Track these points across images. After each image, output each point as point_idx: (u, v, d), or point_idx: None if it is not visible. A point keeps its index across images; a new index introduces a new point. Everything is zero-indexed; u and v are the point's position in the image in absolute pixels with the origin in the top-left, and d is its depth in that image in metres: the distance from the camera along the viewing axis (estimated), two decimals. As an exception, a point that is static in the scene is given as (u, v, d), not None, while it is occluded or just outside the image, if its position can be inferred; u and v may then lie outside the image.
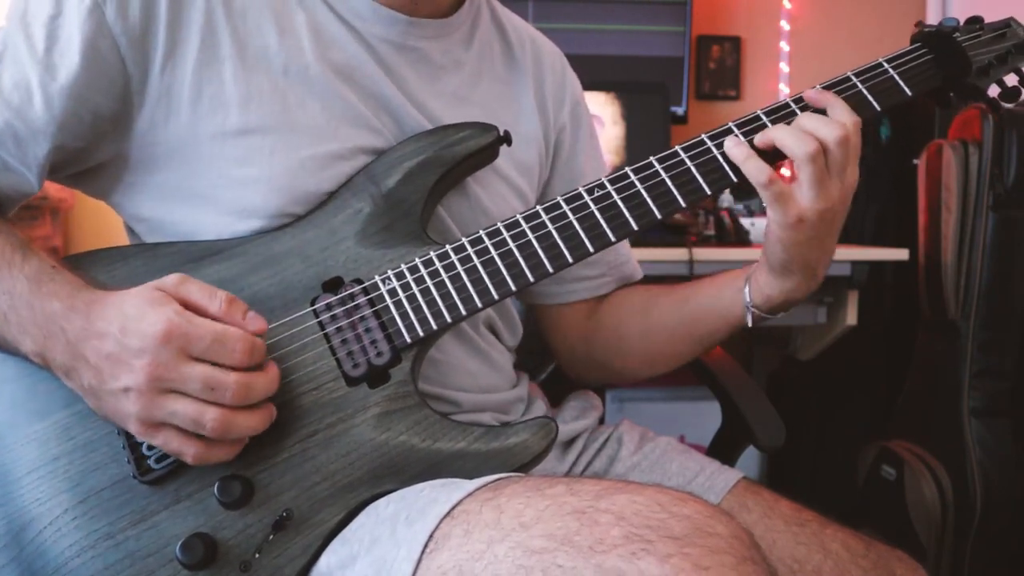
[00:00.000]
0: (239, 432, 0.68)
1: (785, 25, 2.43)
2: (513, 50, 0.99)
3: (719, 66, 2.40)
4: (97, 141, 0.78)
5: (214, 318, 0.69)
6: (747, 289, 0.88)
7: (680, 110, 2.21)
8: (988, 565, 1.79)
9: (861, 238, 2.20)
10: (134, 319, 0.67)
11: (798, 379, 2.22)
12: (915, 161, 1.99)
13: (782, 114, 0.82)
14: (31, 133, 0.75)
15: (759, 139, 0.80)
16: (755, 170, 0.78)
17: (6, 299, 0.71)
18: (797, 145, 0.77)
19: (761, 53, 2.44)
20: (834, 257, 1.91)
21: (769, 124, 0.81)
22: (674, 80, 2.20)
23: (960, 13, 2.47)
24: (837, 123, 0.78)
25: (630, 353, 1.00)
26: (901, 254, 1.88)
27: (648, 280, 1.84)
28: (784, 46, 2.43)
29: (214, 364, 0.67)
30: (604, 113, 2.04)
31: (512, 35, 0.99)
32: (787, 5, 2.43)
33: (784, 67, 2.43)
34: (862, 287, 1.87)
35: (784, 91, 2.43)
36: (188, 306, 0.69)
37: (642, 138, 2.05)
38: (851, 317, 1.90)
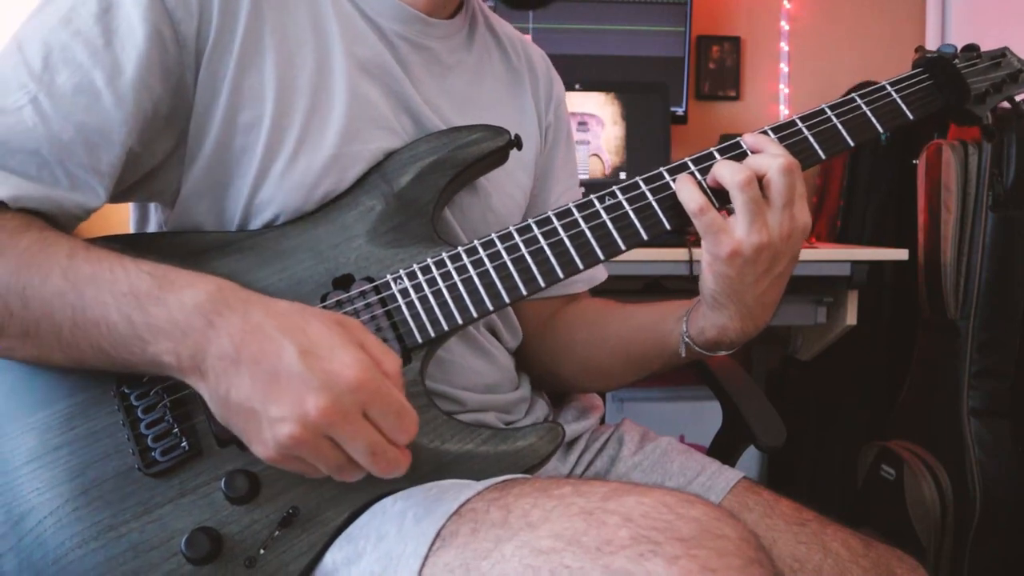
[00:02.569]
0: None
1: (785, 25, 2.43)
2: (508, 53, 1.01)
3: (719, 66, 2.40)
4: (150, 143, 0.76)
5: (384, 374, 0.64)
6: (686, 319, 0.87)
7: (680, 110, 2.21)
8: (988, 565, 1.79)
9: (861, 238, 2.20)
10: (324, 348, 0.61)
11: (798, 379, 2.23)
12: (915, 161, 2.00)
13: (734, 154, 0.81)
14: (103, 136, 0.72)
15: (708, 178, 0.79)
16: (688, 199, 0.77)
17: (128, 301, 0.65)
18: (730, 174, 0.76)
19: (761, 53, 2.44)
20: (834, 258, 1.92)
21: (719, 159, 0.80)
22: (674, 80, 2.20)
23: (959, 14, 2.47)
24: (779, 154, 0.77)
25: (570, 361, 1.00)
26: (901, 254, 1.88)
27: (647, 280, 1.85)
28: (784, 46, 2.43)
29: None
30: (604, 113, 2.04)
31: (504, 39, 1.01)
32: (787, 5, 2.43)
33: (784, 67, 2.43)
34: (862, 287, 1.87)
35: (784, 91, 2.43)
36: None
37: (642, 138, 2.05)
38: (851, 317, 1.90)
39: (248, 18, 0.77)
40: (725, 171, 0.77)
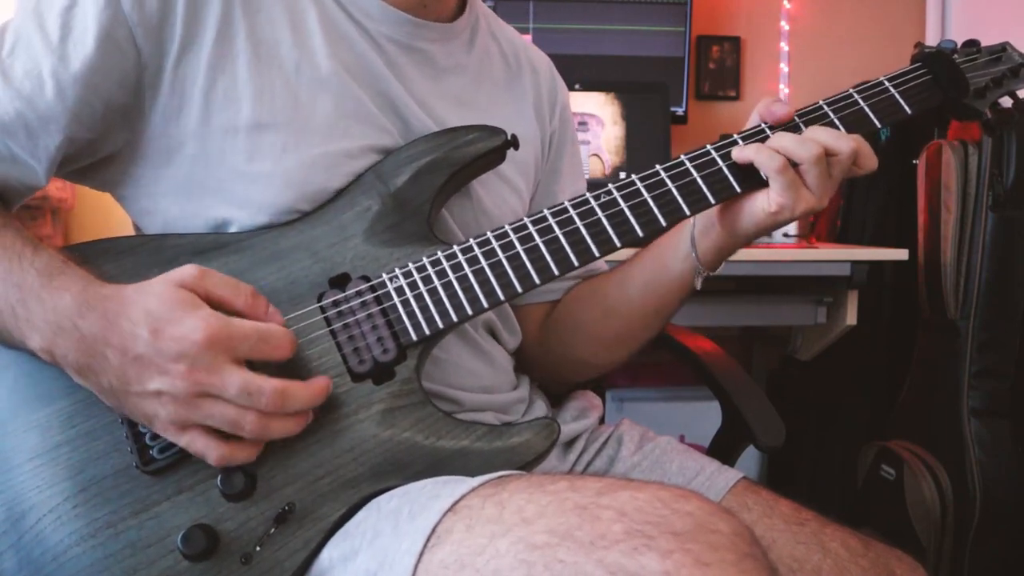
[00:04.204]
0: (273, 436, 0.69)
1: (785, 25, 2.43)
2: (509, 59, 1.01)
3: (719, 66, 2.40)
4: (106, 132, 0.79)
5: (239, 312, 0.69)
6: (695, 254, 0.88)
7: (680, 110, 2.21)
8: (988, 565, 1.79)
9: (861, 238, 2.20)
10: (168, 322, 0.66)
11: (798, 379, 2.23)
12: (915, 161, 2.00)
13: (758, 138, 0.83)
14: (43, 124, 0.75)
15: (744, 155, 0.80)
16: (766, 159, 0.78)
17: (15, 292, 0.70)
18: (805, 149, 0.78)
19: (761, 53, 2.44)
20: (834, 258, 1.92)
21: (770, 134, 0.82)
22: (674, 80, 2.20)
23: (959, 14, 2.47)
24: (850, 138, 0.79)
25: (585, 341, 1.00)
26: (901, 254, 1.88)
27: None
28: (784, 46, 2.43)
29: (251, 366, 0.67)
30: (604, 113, 2.04)
31: (506, 45, 1.02)
32: (787, 5, 2.43)
33: (784, 67, 2.43)
34: (862, 287, 1.87)
35: (784, 91, 2.43)
36: (212, 300, 0.69)
37: (642, 138, 2.05)
38: (851, 317, 1.91)
39: (219, 23, 0.79)
40: (794, 146, 0.78)
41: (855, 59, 2.42)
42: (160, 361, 0.65)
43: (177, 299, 0.67)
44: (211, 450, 0.68)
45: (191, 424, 0.67)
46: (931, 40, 2.44)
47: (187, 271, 0.70)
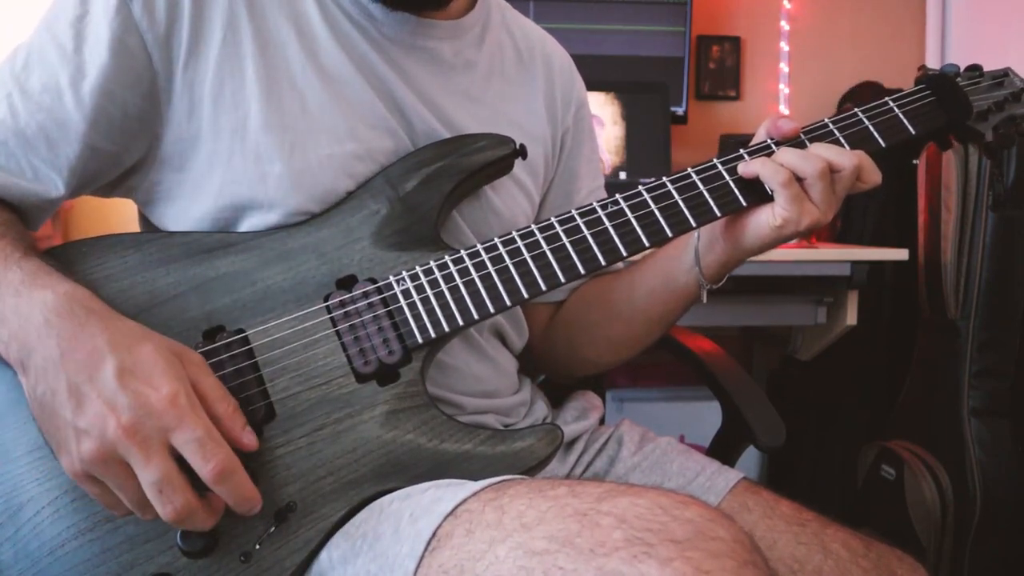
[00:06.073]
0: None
1: (785, 25, 2.43)
2: (522, 53, 1.01)
3: (719, 66, 2.40)
4: (128, 143, 0.80)
5: (216, 416, 0.66)
6: (699, 269, 0.89)
7: (680, 110, 2.21)
8: (988, 565, 1.79)
9: (861, 238, 2.20)
10: (142, 367, 0.63)
11: (798, 379, 2.22)
12: (915, 161, 2.00)
13: (763, 153, 0.83)
14: (63, 133, 0.76)
15: (751, 169, 0.80)
16: (772, 173, 0.79)
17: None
18: (809, 165, 0.78)
19: (761, 53, 2.44)
20: (834, 258, 1.93)
21: (775, 148, 0.83)
22: (674, 80, 2.20)
23: (959, 14, 2.46)
24: (853, 153, 0.80)
25: (591, 342, 1.01)
26: (901, 254, 1.88)
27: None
28: (784, 46, 2.43)
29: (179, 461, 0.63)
30: (604, 113, 2.04)
31: (521, 39, 1.01)
32: (787, 5, 2.43)
33: (784, 67, 2.43)
34: (862, 287, 1.87)
35: (784, 91, 2.43)
36: (195, 389, 0.66)
37: (642, 138, 2.05)
38: (851, 317, 1.90)
39: (225, 26, 0.80)
40: (798, 160, 0.79)
41: (855, 59, 2.42)
42: (109, 402, 0.62)
43: (167, 360, 0.65)
44: (119, 510, 0.66)
45: (98, 479, 0.64)
46: (931, 40, 2.44)
47: (195, 354, 0.68)
